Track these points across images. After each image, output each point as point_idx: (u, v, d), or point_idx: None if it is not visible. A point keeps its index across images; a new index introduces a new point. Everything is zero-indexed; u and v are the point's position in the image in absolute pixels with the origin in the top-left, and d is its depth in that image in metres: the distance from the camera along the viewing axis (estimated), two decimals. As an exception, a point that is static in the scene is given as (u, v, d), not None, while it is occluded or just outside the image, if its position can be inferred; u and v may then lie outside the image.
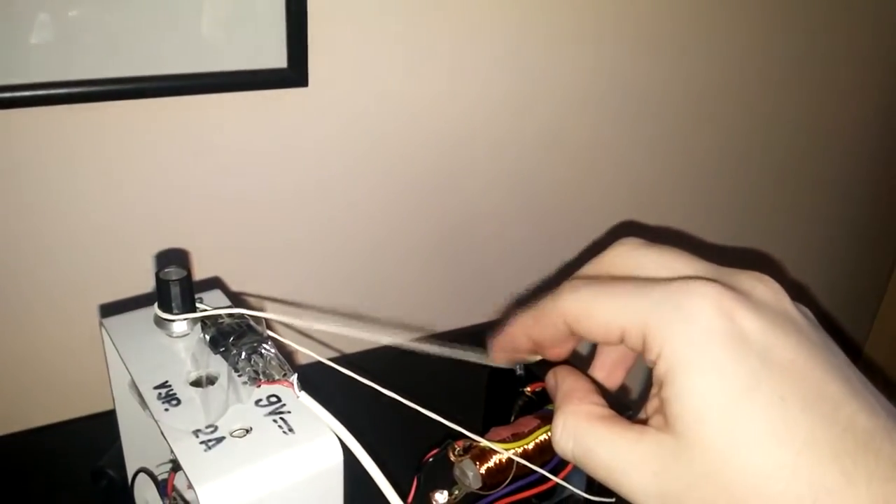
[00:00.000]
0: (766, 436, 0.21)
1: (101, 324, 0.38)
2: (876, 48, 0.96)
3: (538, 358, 0.32)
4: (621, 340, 0.25)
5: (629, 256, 0.27)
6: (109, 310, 0.45)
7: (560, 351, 0.30)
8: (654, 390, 0.25)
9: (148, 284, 0.61)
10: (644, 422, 0.25)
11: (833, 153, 1.02)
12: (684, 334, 0.23)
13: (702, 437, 0.22)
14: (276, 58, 0.60)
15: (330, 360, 0.36)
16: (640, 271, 0.27)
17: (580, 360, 0.33)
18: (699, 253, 0.27)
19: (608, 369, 0.31)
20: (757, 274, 0.25)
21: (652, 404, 0.25)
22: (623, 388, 0.32)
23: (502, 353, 0.31)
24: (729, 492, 0.22)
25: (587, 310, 0.26)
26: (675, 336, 0.23)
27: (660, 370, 0.24)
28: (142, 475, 0.41)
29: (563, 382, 0.29)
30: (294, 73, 0.61)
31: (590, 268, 0.29)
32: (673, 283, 0.24)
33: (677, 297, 0.24)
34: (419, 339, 0.37)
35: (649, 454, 0.24)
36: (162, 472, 0.42)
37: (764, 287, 0.25)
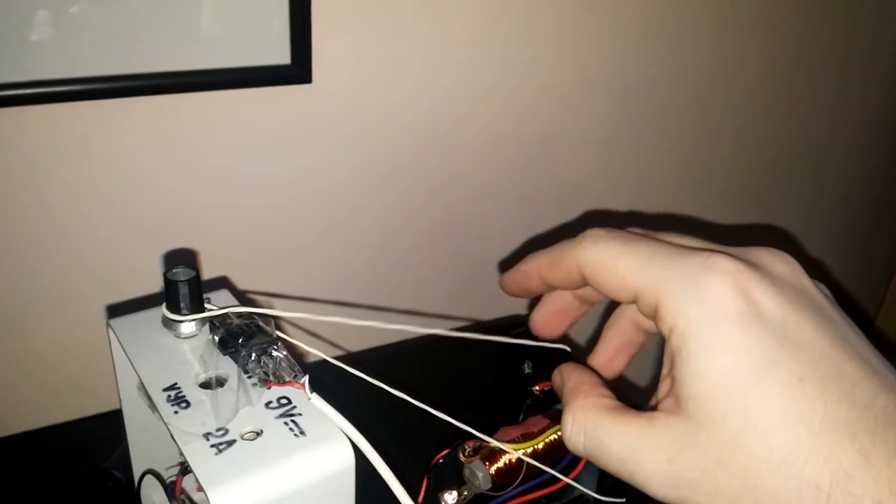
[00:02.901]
0: (783, 417, 0.21)
1: (107, 324, 0.38)
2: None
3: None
4: (634, 301, 0.25)
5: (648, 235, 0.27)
6: (116, 310, 0.44)
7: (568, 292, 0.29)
8: (664, 370, 0.25)
9: (154, 285, 0.61)
10: (654, 409, 0.25)
11: (846, 128, 1.01)
12: (700, 311, 0.22)
13: (715, 419, 0.22)
14: (280, 54, 0.59)
15: (336, 358, 0.36)
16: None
17: (580, 352, 0.32)
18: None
19: (611, 354, 0.31)
20: (774, 250, 0.25)
21: (664, 386, 0.24)
22: (631, 385, 0.31)
23: (513, 285, 0.31)
24: (743, 476, 0.21)
25: (606, 264, 0.25)
26: (691, 312, 0.23)
27: (672, 345, 0.23)
28: (149, 477, 0.41)
29: (569, 378, 0.29)
30: (298, 70, 0.60)
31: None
32: (696, 255, 0.24)
33: (697, 271, 0.23)
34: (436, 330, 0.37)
35: (661, 441, 0.23)
36: (170, 475, 0.41)
37: (782, 263, 0.24)
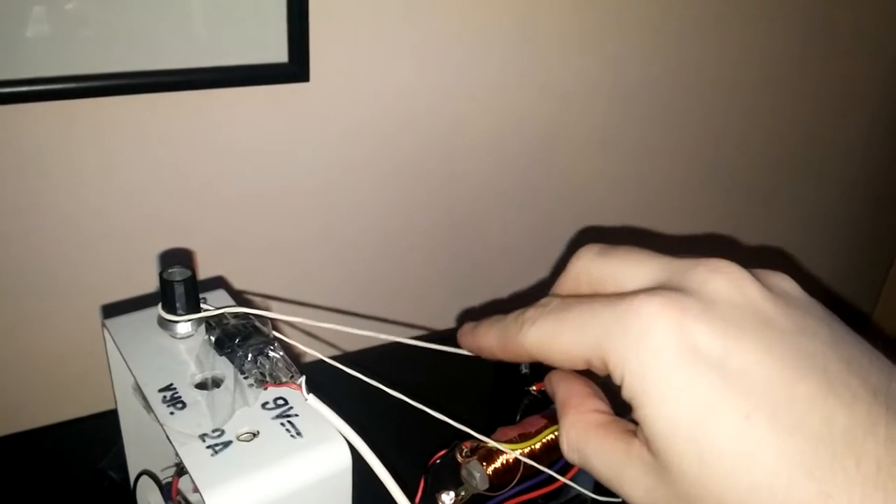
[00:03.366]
0: (736, 459, 0.20)
1: (103, 325, 0.38)
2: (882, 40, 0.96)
3: None
4: (588, 367, 0.25)
5: (589, 270, 0.26)
6: (111, 310, 0.44)
7: None
8: None
9: (150, 284, 0.61)
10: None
11: (838, 127, 1.01)
12: (637, 359, 0.22)
13: (674, 463, 0.21)
14: (277, 52, 0.59)
15: (332, 358, 0.36)
16: (601, 286, 0.26)
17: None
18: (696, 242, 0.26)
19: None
20: (713, 263, 0.23)
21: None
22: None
23: (471, 349, 0.31)
24: None
25: (549, 345, 0.25)
26: (630, 362, 0.22)
27: (625, 396, 0.23)
28: (144, 477, 0.41)
29: (558, 390, 0.29)
30: (295, 68, 0.60)
31: (557, 287, 0.28)
32: (621, 302, 0.23)
33: (625, 319, 0.22)
34: (424, 338, 0.36)
35: (638, 471, 0.23)
36: (165, 476, 0.41)
37: (718, 278, 0.23)
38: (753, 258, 0.26)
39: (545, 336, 0.25)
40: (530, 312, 0.26)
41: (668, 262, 0.24)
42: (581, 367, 0.25)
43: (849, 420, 0.19)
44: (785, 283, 0.24)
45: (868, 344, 0.23)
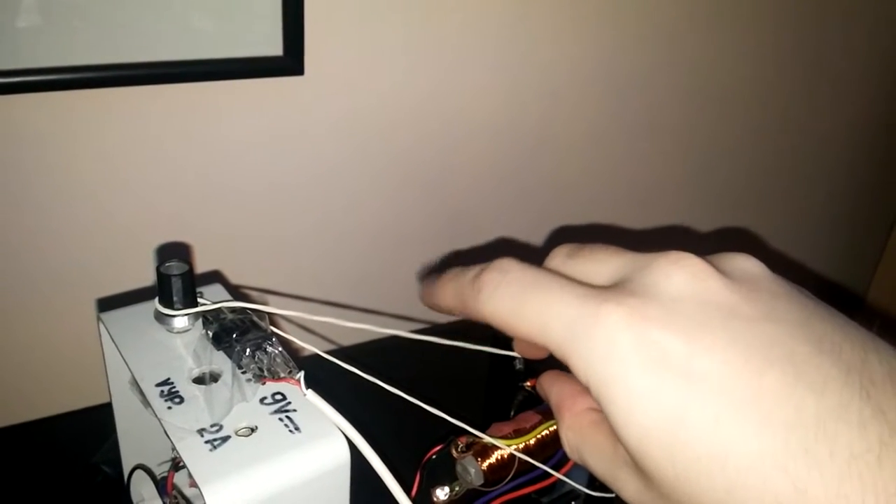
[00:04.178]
0: (710, 463, 0.20)
1: (99, 319, 0.37)
2: (872, 38, 0.97)
3: None
4: (547, 350, 0.24)
5: (561, 272, 0.26)
6: (107, 304, 0.44)
7: None
8: None
9: (146, 278, 0.60)
10: None
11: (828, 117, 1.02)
12: (604, 370, 0.21)
13: (651, 470, 0.21)
14: (272, 45, 0.59)
15: (327, 352, 0.36)
16: None
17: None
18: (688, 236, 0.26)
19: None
20: (672, 256, 0.23)
21: None
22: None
23: (431, 308, 0.30)
24: None
25: (506, 321, 0.24)
26: (595, 371, 0.22)
27: (595, 400, 0.22)
28: (139, 472, 0.41)
29: (550, 393, 0.29)
30: (290, 61, 0.60)
31: None
32: (586, 304, 0.22)
33: (589, 327, 0.22)
34: (421, 332, 0.36)
35: (628, 472, 0.23)
36: (160, 471, 0.41)
37: (679, 274, 0.22)
38: (718, 241, 0.26)
39: (504, 312, 0.24)
40: (487, 276, 0.25)
41: (630, 258, 0.24)
42: (541, 352, 0.25)
43: (819, 406, 0.19)
44: (747, 263, 0.23)
45: (841, 315, 0.22)
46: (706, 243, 0.94)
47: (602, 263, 0.25)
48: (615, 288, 0.23)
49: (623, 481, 0.24)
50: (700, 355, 0.20)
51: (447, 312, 0.29)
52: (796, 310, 0.21)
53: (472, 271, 0.26)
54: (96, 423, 0.46)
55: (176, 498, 0.38)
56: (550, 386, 0.29)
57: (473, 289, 0.26)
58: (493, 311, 0.25)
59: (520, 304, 0.24)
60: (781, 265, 0.24)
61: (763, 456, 0.19)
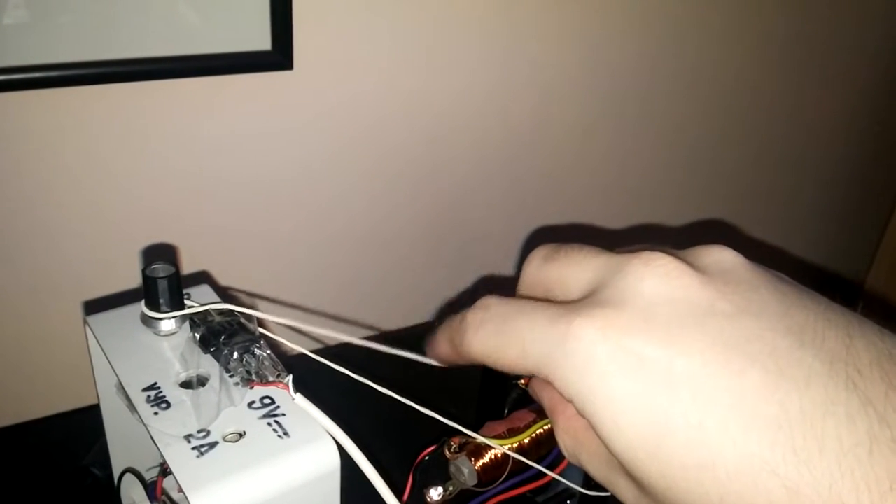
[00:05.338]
0: (699, 471, 0.19)
1: (85, 321, 0.37)
2: (864, 32, 0.96)
3: None
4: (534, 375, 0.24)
5: (537, 276, 0.26)
6: (94, 307, 0.43)
7: None
8: None
9: (133, 280, 0.60)
10: None
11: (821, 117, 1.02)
12: (584, 384, 0.21)
13: (642, 479, 0.21)
14: (260, 40, 0.58)
15: (317, 352, 0.35)
16: (550, 291, 0.25)
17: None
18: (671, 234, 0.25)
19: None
20: (644, 257, 0.22)
21: None
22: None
23: (435, 360, 0.30)
24: None
25: (493, 357, 0.24)
26: (576, 386, 0.21)
27: (580, 414, 0.22)
28: (128, 475, 0.40)
29: (542, 396, 0.28)
30: (279, 56, 0.59)
31: (518, 292, 0.27)
32: (559, 323, 0.22)
33: (566, 344, 0.21)
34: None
35: (626, 479, 0.23)
36: (150, 475, 0.41)
37: (653, 275, 0.22)
38: (693, 233, 0.25)
39: (489, 349, 0.25)
40: (469, 317, 0.25)
41: (605, 261, 0.24)
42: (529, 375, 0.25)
43: (804, 402, 0.18)
44: (722, 255, 0.23)
45: (823, 298, 0.21)
46: (693, 235, 0.94)
47: (578, 267, 0.24)
48: (587, 300, 0.23)
49: (622, 488, 0.23)
50: (678, 359, 0.20)
51: (450, 364, 0.29)
52: (775, 300, 0.21)
53: (456, 317, 0.26)
54: (86, 424, 0.46)
55: (165, 502, 0.38)
56: (542, 389, 0.28)
57: (460, 333, 0.26)
58: (480, 351, 0.25)
59: (501, 338, 0.24)
60: (777, 257, 0.23)
61: (751, 459, 0.18)
